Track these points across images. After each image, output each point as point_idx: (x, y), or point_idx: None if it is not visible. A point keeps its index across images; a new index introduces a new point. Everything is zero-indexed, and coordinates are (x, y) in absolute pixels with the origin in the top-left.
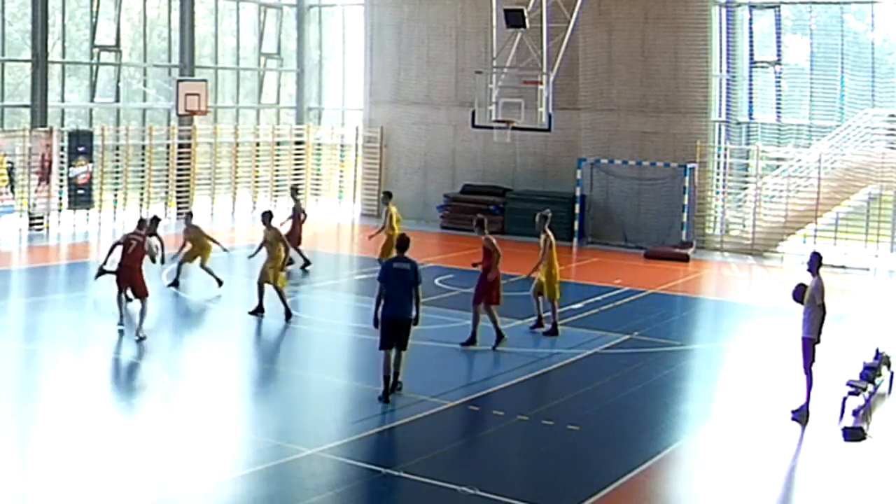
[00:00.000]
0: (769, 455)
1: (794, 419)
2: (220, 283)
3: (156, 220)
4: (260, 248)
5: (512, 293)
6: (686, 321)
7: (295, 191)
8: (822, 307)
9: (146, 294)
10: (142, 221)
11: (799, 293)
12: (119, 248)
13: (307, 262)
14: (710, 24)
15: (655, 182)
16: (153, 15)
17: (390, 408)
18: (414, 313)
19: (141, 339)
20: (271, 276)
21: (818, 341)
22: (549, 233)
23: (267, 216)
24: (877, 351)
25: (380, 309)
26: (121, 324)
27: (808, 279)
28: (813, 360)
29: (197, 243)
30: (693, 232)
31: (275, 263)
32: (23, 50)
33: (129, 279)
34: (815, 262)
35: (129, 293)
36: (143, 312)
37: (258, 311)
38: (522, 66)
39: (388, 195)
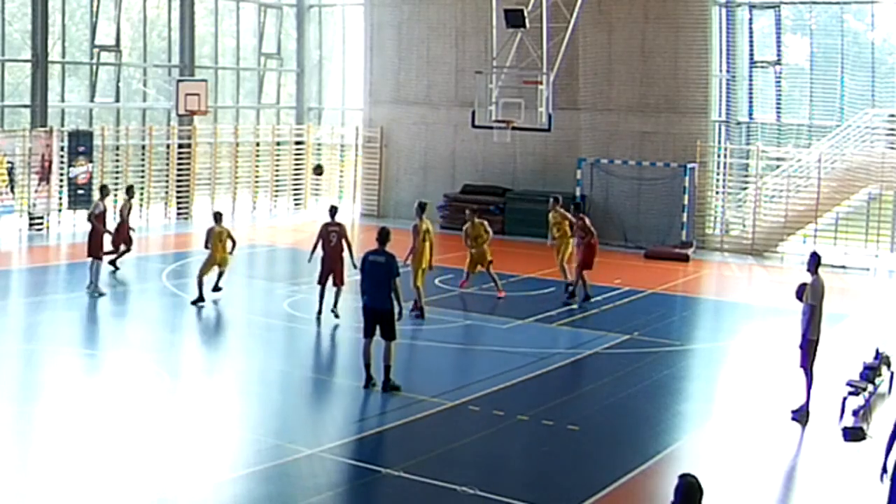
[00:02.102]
0: (769, 455)
1: (793, 419)
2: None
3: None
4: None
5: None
6: (686, 321)
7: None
8: (813, 307)
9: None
10: (103, 188)
11: (801, 292)
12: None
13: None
14: (710, 24)
15: (655, 182)
16: (153, 15)
17: (390, 408)
18: (391, 306)
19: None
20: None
21: (818, 341)
22: (425, 222)
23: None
24: (877, 351)
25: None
26: (97, 287)
27: (809, 279)
28: (814, 360)
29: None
30: (693, 232)
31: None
32: (23, 50)
33: (99, 244)
34: (814, 262)
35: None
36: (98, 271)
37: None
38: (522, 66)
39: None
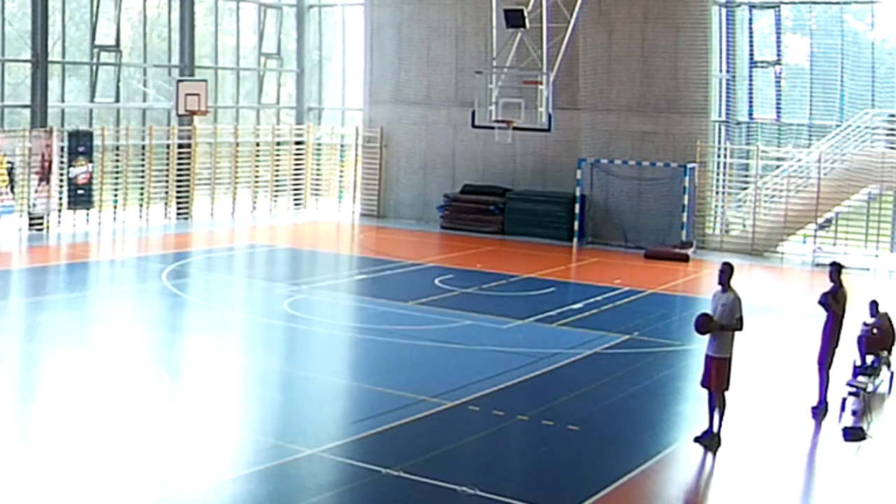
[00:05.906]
0: (769, 455)
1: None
2: None
3: None
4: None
5: (507, 293)
6: (686, 321)
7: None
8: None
9: None
10: None
11: (701, 324)
12: None
13: None
14: (710, 24)
15: (655, 182)
16: (153, 15)
17: (390, 408)
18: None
19: None
20: None
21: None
22: None
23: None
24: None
25: None
26: None
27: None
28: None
29: None
30: (693, 232)
31: None
32: (23, 50)
33: None
34: (726, 274)
35: None
36: None
37: None
38: (522, 66)
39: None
